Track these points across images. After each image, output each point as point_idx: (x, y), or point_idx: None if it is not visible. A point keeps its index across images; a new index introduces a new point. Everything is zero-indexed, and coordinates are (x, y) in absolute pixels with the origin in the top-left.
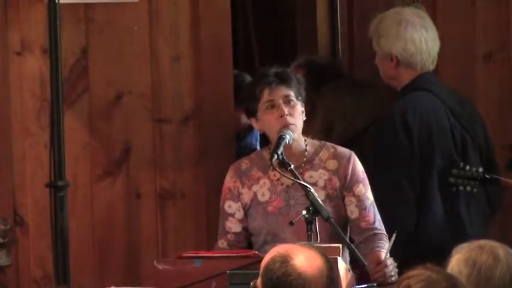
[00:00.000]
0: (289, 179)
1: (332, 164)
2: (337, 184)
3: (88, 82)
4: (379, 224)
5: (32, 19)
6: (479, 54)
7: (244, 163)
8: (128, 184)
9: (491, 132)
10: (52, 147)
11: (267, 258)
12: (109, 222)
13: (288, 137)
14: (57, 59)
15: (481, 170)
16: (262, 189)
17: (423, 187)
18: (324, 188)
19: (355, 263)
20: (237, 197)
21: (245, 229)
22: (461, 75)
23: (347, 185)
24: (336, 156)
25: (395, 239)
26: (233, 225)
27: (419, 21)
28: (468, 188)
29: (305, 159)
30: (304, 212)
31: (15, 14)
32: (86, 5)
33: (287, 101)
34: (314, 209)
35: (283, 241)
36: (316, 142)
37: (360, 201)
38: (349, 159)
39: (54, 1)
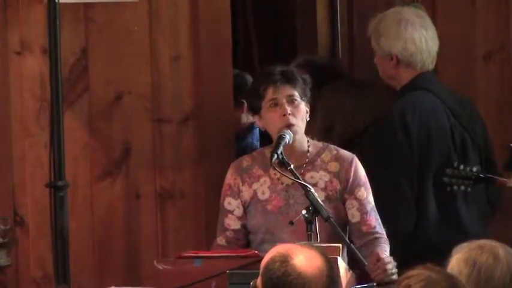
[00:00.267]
0: (290, 178)
1: (334, 166)
2: (338, 187)
3: (88, 82)
4: (380, 228)
5: (31, 19)
6: (479, 54)
7: (246, 161)
8: (128, 184)
9: (491, 132)
10: (52, 147)
11: (266, 258)
12: (109, 223)
13: (287, 136)
14: (57, 59)
15: (475, 169)
16: (263, 188)
17: (422, 187)
18: (324, 189)
19: (354, 263)
20: (237, 194)
21: (244, 226)
22: (461, 75)
23: (349, 188)
24: (338, 158)
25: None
26: (232, 222)
27: (419, 20)
28: (462, 188)
29: (307, 159)
30: (304, 212)
31: (15, 14)
32: (86, 4)
33: (291, 100)
34: (314, 209)
35: (281, 240)
36: (319, 143)
37: (361, 205)
38: (351, 162)
39: (54, 1)
